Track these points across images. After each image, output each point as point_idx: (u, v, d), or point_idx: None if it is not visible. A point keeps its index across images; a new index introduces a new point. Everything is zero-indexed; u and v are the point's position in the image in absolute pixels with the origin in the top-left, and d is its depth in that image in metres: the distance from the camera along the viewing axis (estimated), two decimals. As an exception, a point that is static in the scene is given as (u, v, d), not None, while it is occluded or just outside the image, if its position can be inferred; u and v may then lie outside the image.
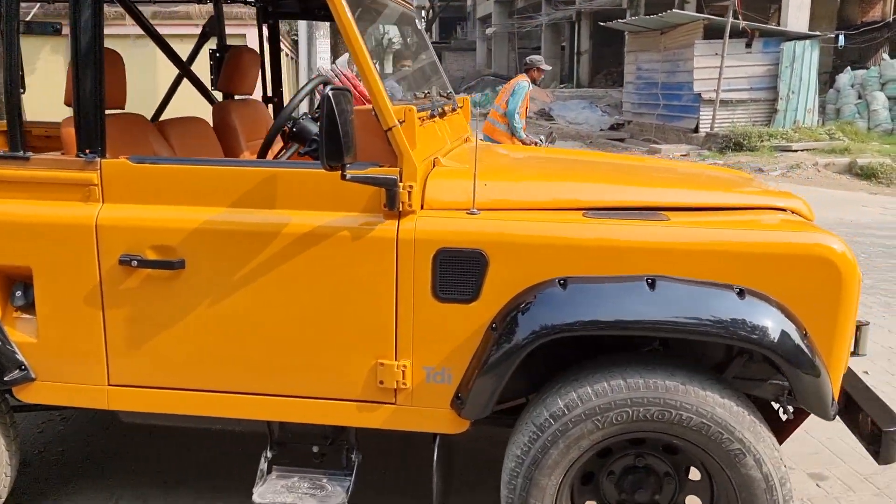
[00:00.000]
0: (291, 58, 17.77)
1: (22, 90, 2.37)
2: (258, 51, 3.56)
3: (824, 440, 3.22)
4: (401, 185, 2.07)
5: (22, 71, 2.37)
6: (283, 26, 14.39)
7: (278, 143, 2.67)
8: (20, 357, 2.29)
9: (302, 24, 10.80)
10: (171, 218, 2.16)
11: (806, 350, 1.94)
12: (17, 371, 2.29)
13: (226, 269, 2.16)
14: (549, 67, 7.98)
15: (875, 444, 2.10)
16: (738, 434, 1.95)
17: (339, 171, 1.96)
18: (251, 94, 3.48)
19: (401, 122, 2.10)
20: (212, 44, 3.67)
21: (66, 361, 2.30)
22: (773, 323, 1.93)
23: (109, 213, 2.19)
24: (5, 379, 2.27)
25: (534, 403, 2.13)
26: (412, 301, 2.10)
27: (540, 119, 22.15)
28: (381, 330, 2.13)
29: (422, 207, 2.14)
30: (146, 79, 10.82)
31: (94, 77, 2.17)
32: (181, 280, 2.18)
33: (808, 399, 1.97)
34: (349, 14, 2.08)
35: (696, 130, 14.54)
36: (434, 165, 2.32)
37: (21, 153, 2.22)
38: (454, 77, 41.55)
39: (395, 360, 2.14)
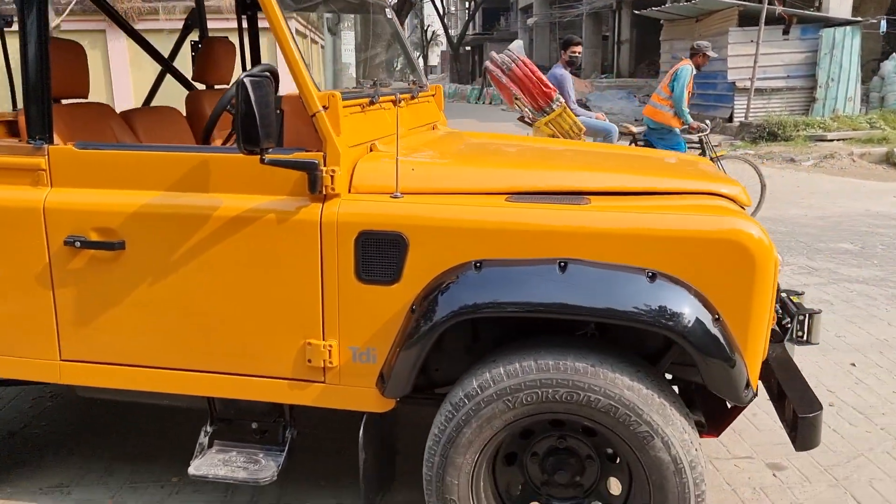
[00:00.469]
0: (322, 46, 17.93)
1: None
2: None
3: (792, 431, 3.18)
4: (323, 169, 2.12)
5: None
6: (314, 16, 14.58)
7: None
8: (-20, 334, 2.43)
9: (326, 16, 10.92)
10: (111, 202, 2.26)
11: (714, 334, 1.93)
12: (-20, 347, 2.42)
13: (162, 251, 2.25)
14: (714, 54, 7.93)
15: (794, 429, 2.08)
16: (646, 416, 1.96)
17: (258, 156, 2.03)
18: (227, 84, 3.57)
19: (325, 108, 2.15)
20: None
21: (20, 337, 2.42)
22: (680, 306, 1.93)
23: (56, 196, 2.30)
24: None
25: (455, 385, 2.17)
26: (336, 283, 2.16)
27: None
28: (308, 311, 2.20)
29: (349, 191, 2.20)
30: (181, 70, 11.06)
31: (40, 68, 2.27)
32: (122, 261, 2.28)
33: (716, 382, 1.97)
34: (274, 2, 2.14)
35: (730, 120, 14.24)
36: (371, 150, 2.37)
37: None
38: (495, 68, 41.54)
39: (323, 339, 2.20)
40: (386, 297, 2.14)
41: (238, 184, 2.19)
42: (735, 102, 14.11)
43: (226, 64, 3.47)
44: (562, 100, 6.39)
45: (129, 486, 2.82)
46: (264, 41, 3.88)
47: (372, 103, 2.48)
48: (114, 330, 2.35)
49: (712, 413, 2.45)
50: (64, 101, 2.65)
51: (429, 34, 65.10)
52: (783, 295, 2.80)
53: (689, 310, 1.93)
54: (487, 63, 6.69)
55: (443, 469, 2.11)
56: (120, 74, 12.53)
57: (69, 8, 11.05)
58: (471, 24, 48.69)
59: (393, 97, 2.80)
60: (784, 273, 5.46)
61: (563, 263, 1.99)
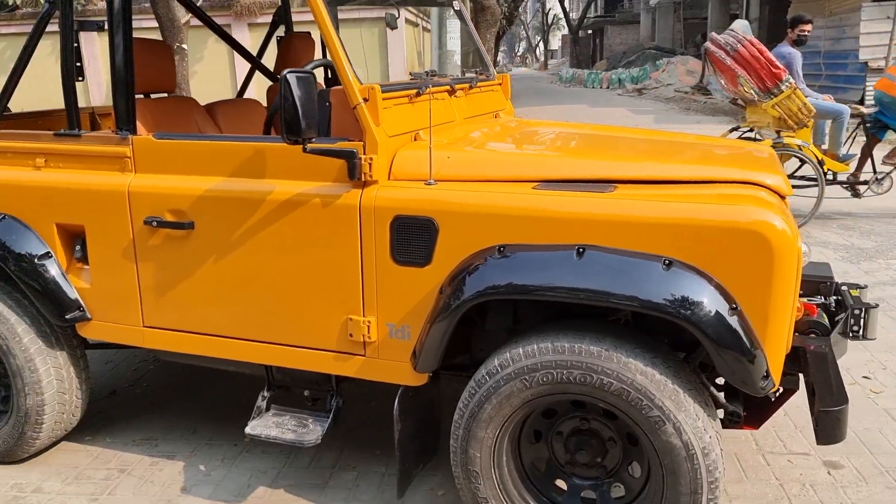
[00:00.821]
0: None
1: (81, 78, 2.83)
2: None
3: (860, 430, 3.06)
4: (362, 157, 2.29)
5: (81, 62, 2.84)
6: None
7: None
8: (79, 300, 2.78)
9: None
10: (182, 186, 2.53)
11: (729, 324, 1.94)
12: (77, 311, 2.78)
13: (224, 231, 2.49)
14: None
15: (816, 422, 2.05)
16: (658, 401, 1.99)
17: (301, 145, 2.22)
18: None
19: (365, 101, 2.31)
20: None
21: (112, 305, 2.76)
22: (695, 295, 1.95)
23: (138, 181, 2.59)
24: (67, 317, 2.76)
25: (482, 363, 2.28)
26: (374, 263, 2.32)
27: (696, 93, 21.16)
28: (350, 288, 2.37)
29: (389, 178, 2.35)
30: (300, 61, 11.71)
31: (125, 66, 2.56)
32: (191, 239, 2.55)
33: (730, 372, 1.97)
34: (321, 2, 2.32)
35: (861, 102, 13.26)
36: (415, 139, 2.51)
37: (75, 131, 2.68)
38: (615, 51, 40.42)
39: (363, 316, 2.37)
40: (418, 278, 2.28)
41: (289, 171, 2.40)
42: (867, 83, 13.13)
43: (305, 57, 3.70)
44: (791, 80, 6.18)
45: (206, 443, 3.13)
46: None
47: (419, 94, 2.61)
48: (185, 301, 2.63)
49: (753, 404, 2.43)
50: (153, 96, 2.96)
51: (550, 18, 64.27)
52: (844, 287, 2.71)
53: (703, 298, 1.95)
54: (708, 44, 6.51)
55: (466, 442, 2.23)
56: (243, 64, 13.30)
57: (197, 3, 11.84)
58: (592, 7, 47.61)
59: (447, 88, 2.93)
60: None
61: (581, 249, 2.05)
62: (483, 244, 2.19)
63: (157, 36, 11.17)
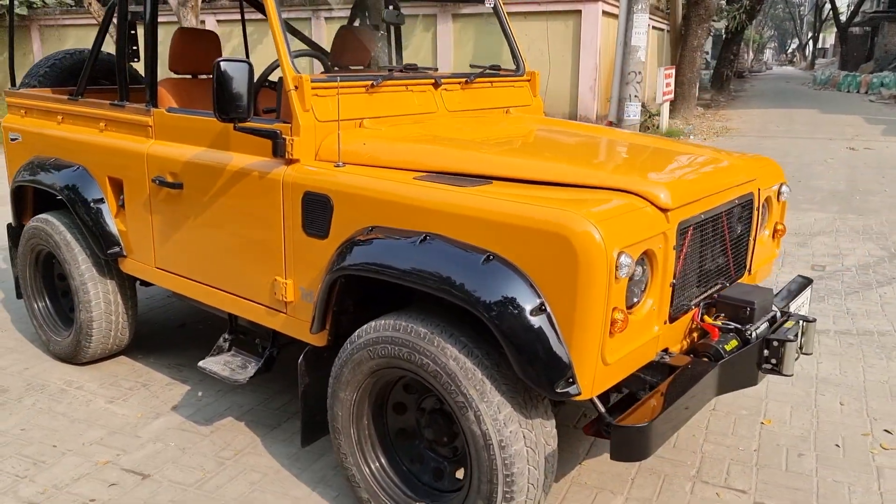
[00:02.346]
0: (668, 31, 17.49)
1: (136, 59, 3.45)
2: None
3: (828, 481, 2.78)
4: (287, 138, 2.60)
5: (137, 46, 3.46)
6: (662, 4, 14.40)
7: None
8: (119, 240, 3.42)
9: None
10: (177, 153, 3.02)
11: (528, 323, 1.97)
12: (117, 248, 3.42)
13: (199, 193, 2.95)
14: None
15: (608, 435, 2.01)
16: (464, 388, 2.09)
17: (232, 123, 2.58)
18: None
19: (295, 88, 2.61)
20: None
21: (138, 247, 3.37)
22: (502, 291, 2.01)
23: (153, 147, 3.14)
24: (108, 252, 3.42)
25: (353, 334, 2.49)
26: (291, 233, 2.63)
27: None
28: (276, 253, 2.71)
29: (315, 158, 2.64)
30: (493, 52, 12.28)
31: (150, 50, 3.11)
32: (181, 198, 3.04)
33: (522, 370, 2.00)
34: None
35: None
36: (359, 125, 2.77)
37: (122, 103, 3.30)
38: (890, 51, 35.53)
39: (284, 278, 2.70)
40: (320, 248, 2.54)
41: (240, 146, 2.78)
42: None
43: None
44: None
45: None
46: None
47: (373, 87, 2.84)
48: (177, 249, 3.14)
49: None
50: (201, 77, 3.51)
51: (824, 12, 58.09)
52: (782, 317, 2.53)
53: (508, 295, 2.00)
54: None
55: (332, 400, 2.47)
56: (444, 51, 14.03)
57: (404, -5, 12.70)
58: (870, 0, 42.28)
59: (431, 81, 3.12)
60: None
61: (424, 237, 2.20)
62: (364, 224, 2.40)
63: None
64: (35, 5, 17.97)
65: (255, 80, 2.58)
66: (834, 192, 8.32)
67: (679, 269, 2.30)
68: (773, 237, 3.11)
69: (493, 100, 3.45)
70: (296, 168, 2.60)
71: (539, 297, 2.00)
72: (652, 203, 2.19)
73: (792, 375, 2.41)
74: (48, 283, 3.93)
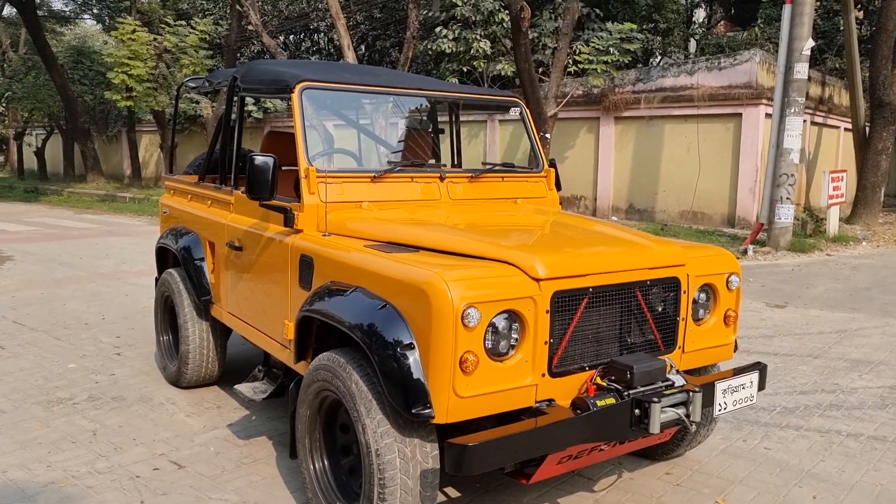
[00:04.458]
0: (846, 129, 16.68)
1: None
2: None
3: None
4: (296, 213, 3.43)
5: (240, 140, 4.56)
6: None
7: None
8: (210, 289, 4.45)
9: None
10: (241, 224, 3.99)
11: (396, 357, 2.55)
12: (208, 296, 4.45)
13: (248, 254, 3.87)
14: None
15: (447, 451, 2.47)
16: (357, 406, 2.69)
17: (257, 202, 3.47)
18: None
19: (305, 177, 3.45)
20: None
21: (218, 295, 4.36)
22: (384, 332, 2.62)
23: (231, 219, 4.15)
24: (202, 298, 4.45)
25: (325, 365, 3.18)
26: (292, 285, 3.43)
27: None
28: (284, 300, 3.51)
29: (317, 229, 3.44)
30: (653, 153, 12.94)
31: (224, 150, 4.15)
32: (240, 257, 3.99)
33: (389, 393, 2.56)
34: (300, 112, 3.54)
35: None
36: (359, 207, 3.54)
37: (218, 185, 4.38)
38: None
39: (288, 321, 3.48)
40: (305, 297, 3.30)
41: (272, 219, 3.66)
42: None
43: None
44: None
45: (272, 404, 4.49)
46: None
47: (375, 178, 3.61)
48: (236, 297, 4.08)
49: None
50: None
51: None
52: (679, 387, 2.83)
53: (387, 335, 2.61)
54: None
55: (296, 412, 3.16)
56: (605, 151, 14.62)
57: (565, 100, 13.61)
58: None
59: (437, 175, 3.84)
60: None
61: (353, 289, 2.88)
62: (329, 279, 3.13)
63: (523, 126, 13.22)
64: (269, 110, 21.35)
65: (278, 170, 3.46)
66: None
67: (555, 331, 2.74)
68: (726, 323, 3.36)
69: (502, 191, 4.07)
70: (299, 236, 3.42)
71: (411, 337, 2.59)
72: (526, 273, 2.70)
73: (658, 433, 2.70)
74: (172, 321, 5.07)
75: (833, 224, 12.27)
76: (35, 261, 10.10)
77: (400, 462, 2.64)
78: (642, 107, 13.86)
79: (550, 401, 2.79)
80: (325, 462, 3.10)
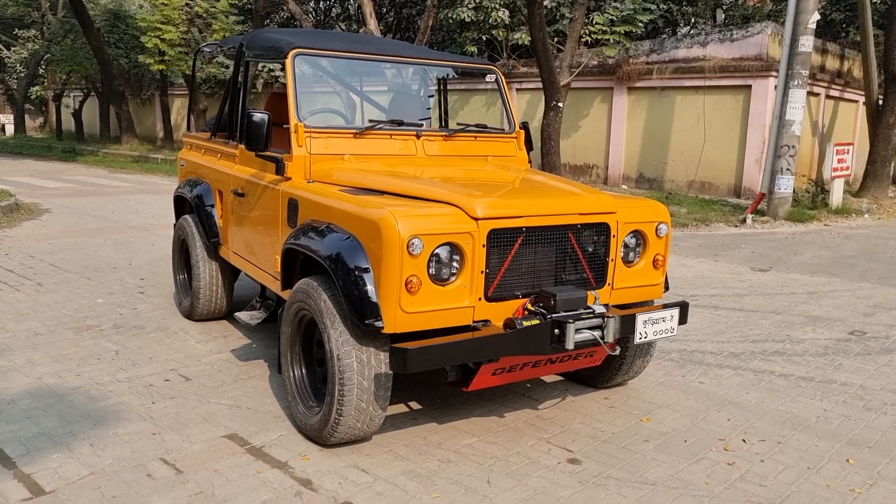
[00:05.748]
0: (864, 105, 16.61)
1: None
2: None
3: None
4: (286, 163, 3.98)
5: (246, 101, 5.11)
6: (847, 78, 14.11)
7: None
8: (219, 232, 5.05)
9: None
10: (244, 174, 4.55)
11: (354, 277, 3.10)
12: (216, 238, 5.05)
13: (249, 199, 4.44)
14: None
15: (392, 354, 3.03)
16: (324, 320, 3.26)
17: (254, 152, 4.03)
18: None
19: (293, 132, 3.98)
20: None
21: (225, 237, 4.95)
22: (346, 257, 3.17)
23: (235, 170, 4.72)
24: (212, 240, 5.05)
25: (306, 291, 3.75)
26: (282, 224, 3.99)
27: None
28: (276, 237, 4.08)
29: (304, 178, 3.98)
30: (664, 123, 13.23)
31: (232, 108, 4.70)
32: (243, 203, 4.56)
33: (348, 308, 3.11)
34: (292, 75, 4.07)
35: None
36: (343, 159, 4.08)
37: (227, 140, 4.94)
38: None
39: (278, 255, 4.05)
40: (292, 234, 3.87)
41: (267, 169, 4.22)
42: None
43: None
44: None
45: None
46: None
47: (358, 134, 4.14)
48: (239, 237, 4.66)
49: (464, 371, 3.38)
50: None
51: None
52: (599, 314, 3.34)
53: (347, 260, 3.16)
54: None
55: (280, 328, 3.74)
56: (618, 121, 14.93)
57: (579, 69, 13.92)
58: None
59: (414, 133, 4.35)
60: None
61: (327, 227, 3.43)
62: (309, 218, 3.68)
63: (540, 94, 13.57)
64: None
65: (272, 125, 4.00)
66: (967, 276, 7.90)
67: (491, 263, 3.26)
68: (655, 266, 3.85)
69: (474, 150, 4.57)
70: (288, 183, 3.97)
71: (367, 263, 3.13)
72: (466, 213, 3.22)
73: (572, 349, 3.22)
74: (186, 261, 5.68)
75: (837, 196, 12.50)
76: (71, 213, 10.85)
77: (357, 366, 3.20)
78: (655, 77, 14.12)
79: (486, 321, 3.33)
80: (304, 371, 3.68)
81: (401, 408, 3.95)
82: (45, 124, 36.22)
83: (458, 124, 4.70)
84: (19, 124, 32.06)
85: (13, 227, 9.50)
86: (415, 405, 4.00)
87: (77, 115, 29.28)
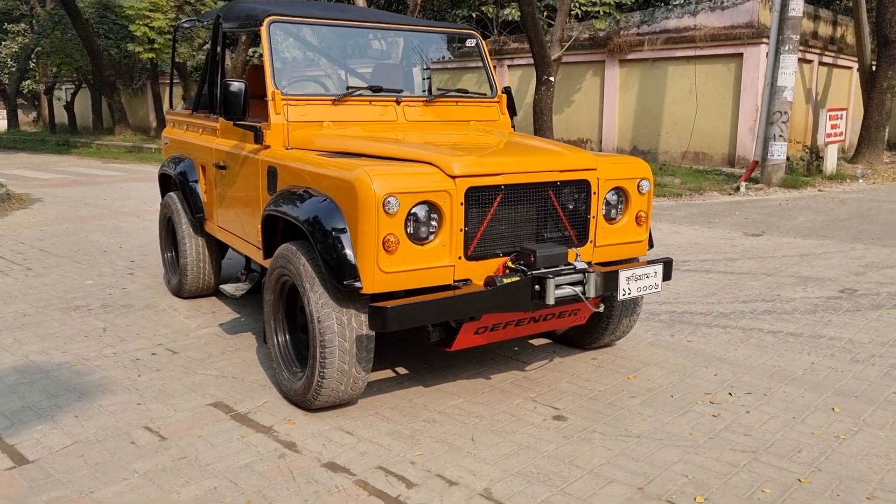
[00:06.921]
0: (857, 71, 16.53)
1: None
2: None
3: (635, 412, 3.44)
4: (265, 131, 3.95)
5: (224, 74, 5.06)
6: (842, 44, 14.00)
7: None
8: (203, 207, 5.02)
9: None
10: (225, 146, 4.52)
11: (331, 238, 3.08)
12: (201, 213, 5.02)
13: (230, 171, 4.41)
14: None
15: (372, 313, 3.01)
16: (304, 283, 3.24)
17: (232, 121, 3.99)
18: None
19: (270, 100, 3.95)
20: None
21: (210, 212, 4.93)
22: (323, 219, 3.15)
23: (217, 143, 4.68)
24: (196, 215, 5.03)
25: (288, 258, 3.73)
26: (262, 192, 3.96)
27: None
28: (258, 207, 4.05)
29: (283, 145, 3.95)
30: (656, 95, 13.10)
31: (211, 81, 4.66)
32: (225, 175, 4.54)
33: (326, 268, 3.09)
34: (268, 43, 4.03)
35: None
36: (321, 126, 4.04)
37: (207, 113, 4.91)
38: None
39: (259, 225, 4.03)
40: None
41: (244, 138, 4.18)
42: None
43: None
44: None
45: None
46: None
47: (336, 101, 4.10)
48: (223, 211, 4.64)
49: (447, 331, 3.37)
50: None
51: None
52: (581, 270, 3.31)
53: (325, 222, 3.14)
54: None
55: (263, 296, 3.73)
56: (610, 94, 14.84)
57: (569, 43, 13.81)
58: None
59: (394, 99, 4.31)
60: None
61: (304, 191, 3.40)
62: (288, 184, 3.66)
63: (532, 70, 13.50)
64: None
65: (249, 94, 3.97)
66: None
67: (470, 222, 3.24)
68: (638, 223, 3.83)
69: (456, 115, 4.54)
70: (267, 151, 3.94)
71: (344, 224, 3.11)
72: (444, 171, 3.19)
73: (552, 304, 3.20)
74: (173, 238, 5.66)
75: (831, 162, 12.45)
76: (62, 202, 10.82)
77: (338, 327, 3.19)
78: (646, 49, 14.02)
79: (467, 280, 3.31)
80: (287, 337, 3.67)
81: (388, 373, 3.94)
82: (39, 118, 36.10)
83: (438, 90, 4.66)
84: (13, 119, 31.95)
85: (4, 217, 9.48)
86: (402, 370, 3.99)
87: (69, 107, 29.17)
